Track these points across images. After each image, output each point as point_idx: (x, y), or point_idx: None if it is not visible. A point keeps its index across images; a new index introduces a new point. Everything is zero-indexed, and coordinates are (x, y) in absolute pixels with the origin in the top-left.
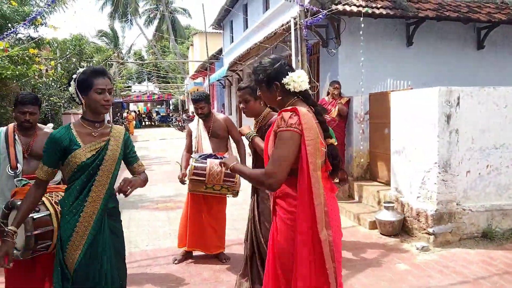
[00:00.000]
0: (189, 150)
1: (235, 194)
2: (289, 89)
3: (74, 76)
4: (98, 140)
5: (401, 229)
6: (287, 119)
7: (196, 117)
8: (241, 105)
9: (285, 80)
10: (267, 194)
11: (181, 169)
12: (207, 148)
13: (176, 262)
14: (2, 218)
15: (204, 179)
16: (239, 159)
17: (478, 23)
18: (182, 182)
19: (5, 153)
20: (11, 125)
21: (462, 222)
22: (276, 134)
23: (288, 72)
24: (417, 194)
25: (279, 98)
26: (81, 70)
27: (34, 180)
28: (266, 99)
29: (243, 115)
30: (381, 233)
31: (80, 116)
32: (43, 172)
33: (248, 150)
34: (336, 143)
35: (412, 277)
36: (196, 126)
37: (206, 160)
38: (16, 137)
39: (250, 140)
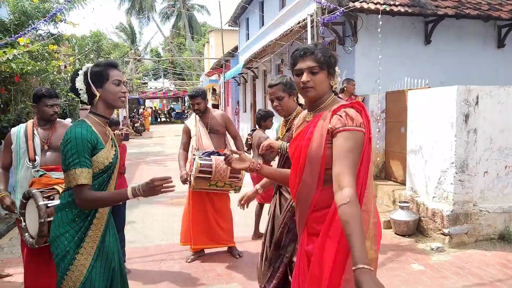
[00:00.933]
0: (185, 148)
1: (238, 190)
2: (332, 85)
3: (83, 69)
4: (109, 139)
5: (416, 229)
6: (355, 117)
7: (193, 115)
8: (274, 103)
9: (337, 71)
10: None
11: (180, 168)
12: (208, 145)
13: (189, 261)
14: (20, 208)
15: (210, 176)
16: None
17: (499, 21)
18: (185, 181)
19: (25, 147)
20: (30, 121)
21: (479, 223)
22: (335, 133)
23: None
24: (433, 194)
25: (330, 87)
26: (88, 64)
27: (51, 172)
28: (321, 86)
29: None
30: (395, 233)
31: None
32: (89, 175)
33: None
34: None
35: (427, 277)
36: (194, 123)
37: (210, 157)
38: (35, 131)
39: (285, 150)
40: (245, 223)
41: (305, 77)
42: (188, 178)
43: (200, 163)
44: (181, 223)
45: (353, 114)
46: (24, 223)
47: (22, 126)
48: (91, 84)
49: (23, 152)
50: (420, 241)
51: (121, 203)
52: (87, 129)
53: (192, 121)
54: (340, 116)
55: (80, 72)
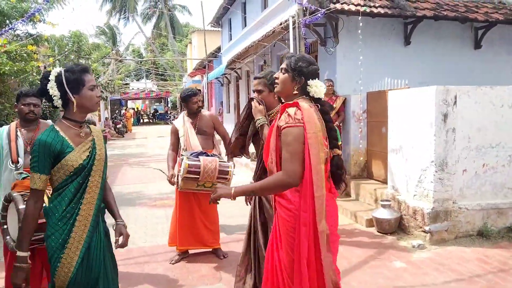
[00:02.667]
0: (174, 148)
1: None
2: (309, 91)
3: (53, 74)
4: (86, 140)
5: (398, 227)
6: (293, 115)
7: (181, 115)
8: (254, 95)
9: (310, 82)
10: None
11: (168, 169)
12: (196, 145)
13: (173, 262)
14: (2, 210)
15: (198, 176)
16: (223, 156)
17: (475, 23)
18: (172, 183)
19: (8, 149)
20: (13, 123)
21: (458, 220)
22: (280, 130)
23: (316, 78)
24: (413, 193)
25: (295, 92)
26: (58, 69)
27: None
28: (283, 85)
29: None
30: (378, 231)
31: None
32: (41, 181)
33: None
34: (341, 153)
35: (408, 274)
36: (182, 123)
37: (198, 158)
38: (18, 132)
39: (259, 126)
40: (229, 223)
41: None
42: (176, 179)
43: (188, 164)
44: (170, 224)
45: (292, 112)
46: (5, 226)
47: (5, 128)
48: (68, 91)
49: (6, 154)
50: (401, 239)
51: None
52: (50, 135)
53: (180, 121)
54: (284, 116)
55: (51, 78)
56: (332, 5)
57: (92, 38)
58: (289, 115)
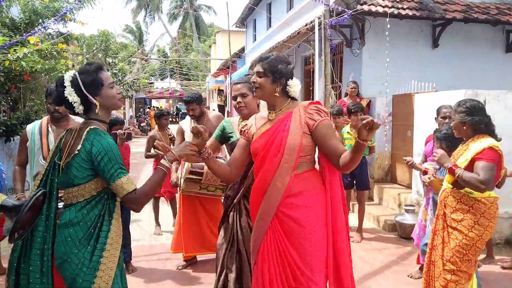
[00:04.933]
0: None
1: None
2: (288, 91)
3: (67, 79)
4: None
5: None
6: (323, 110)
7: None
8: (238, 100)
9: (290, 82)
10: None
11: (172, 171)
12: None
13: (180, 268)
14: None
15: (201, 178)
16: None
17: (507, 25)
18: (176, 185)
19: (39, 144)
20: (45, 118)
21: None
22: (314, 125)
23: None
24: None
25: (277, 94)
26: (71, 73)
27: None
28: (264, 89)
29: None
30: (400, 236)
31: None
32: (131, 179)
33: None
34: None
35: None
36: (189, 124)
37: None
38: (50, 128)
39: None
40: None
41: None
42: (178, 182)
43: (191, 164)
44: (173, 231)
45: (322, 108)
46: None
47: (37, 123)
48: (87, 94)
49: (38, 149)
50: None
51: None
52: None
53: (188, 122)
54: (314, 109)
55: (67, 84)
56: (359, 7)
57: (119, 37)
58: (321, 110)
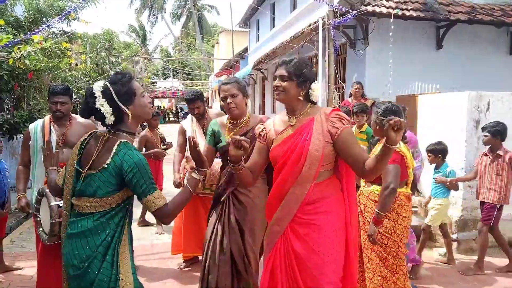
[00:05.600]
0: (181, 150)
1: None
2: (310, 94)
3: (97, 89)
4: None
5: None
6: (345, 117)
7: (190, 115)
8: (228, 100)
9: (313, 86)
10: (248, 199)
11: (174, 172)
12: (204, 146)
13: (182, 267)
14: (35, 203)
15: (205, 178)
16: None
17: (511, 27)
18: (178, 186)
19: (42, 143)
20: (47, 117)
21: None
22: (337, 134)
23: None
24: None
25: (300, 98)
26: (101, 83)
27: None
28: (289, 93)
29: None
30: None
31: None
32: (161, 194)
33: None
34: None
35: (434, 283)
36: (191, 123)
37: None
38: (52, 127)
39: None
40: None
41: (278, 82)
42: (182, 182)
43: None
44: (172, 232)
45: (344, 115)
46: (38, 218)
47: (39, 122)
48: (120, 104)
49: (40, 148)
50: (427, 246)
51: None
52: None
53: (189, 121)
54: (336, 117)
55: (97, 94)
56: (363, 7)
57: (123, 36)
58: (343, 117)
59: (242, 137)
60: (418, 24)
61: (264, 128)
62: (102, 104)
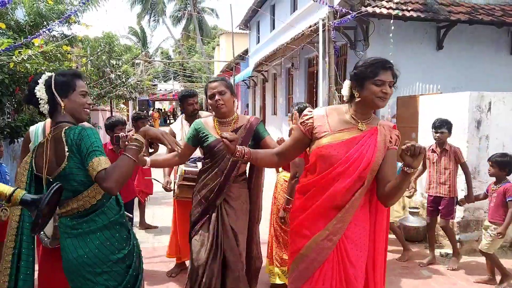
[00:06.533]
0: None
1: None
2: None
3: (42, 78)
4: None
5: (426, 235)
6: (399, 137)
7: (179, 118)
8: (216, 98)
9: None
10: (237, 203)
11: (164, 175)
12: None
13: (174, 275)
14: None
15: (195, 184)
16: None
17: None
18: (168, 189)
19: None
20: (48, 120)
21: None
22: (388, 149)
23: None
24: None
25: (359, 99)
26: (47, 74)
27: None
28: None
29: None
30: (405, 239)
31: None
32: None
33: None
34: None
35: (436, 284)
36: (180, 127)
37: (196, 163)
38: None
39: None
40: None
41: (387, 89)
42: (172, 187)
43: (185, 170)
44: (170, 235)
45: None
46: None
47: (40, 125)
48: (55, 93)
49: None
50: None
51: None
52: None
53: (178, 124)
54: (396, 136)
55: (40, 81)
56: (363, 8)
57: (123, 39)
58: (398, 137)
59: (231, 132)
60: (419, 24)
61: (312, 117)
62: (39, 90)
